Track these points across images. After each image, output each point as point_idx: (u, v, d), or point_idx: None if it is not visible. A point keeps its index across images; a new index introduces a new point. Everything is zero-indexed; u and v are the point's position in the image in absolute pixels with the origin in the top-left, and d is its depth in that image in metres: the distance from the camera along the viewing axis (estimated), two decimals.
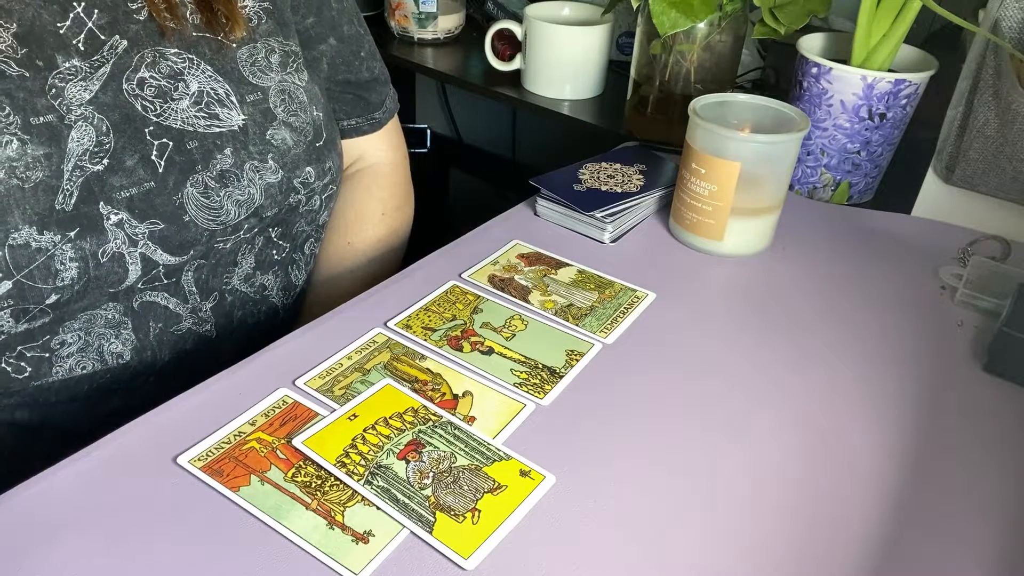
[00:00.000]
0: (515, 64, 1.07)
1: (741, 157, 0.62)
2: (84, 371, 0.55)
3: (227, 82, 0.56)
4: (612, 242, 0.68)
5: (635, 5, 0.78)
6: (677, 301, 0.61)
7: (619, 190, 0.71)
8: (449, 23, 1.20)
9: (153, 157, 0.52)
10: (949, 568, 0.41)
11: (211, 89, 0.55)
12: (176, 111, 0.54)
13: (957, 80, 0.69)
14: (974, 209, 0.72)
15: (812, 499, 0.44)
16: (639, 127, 0.88)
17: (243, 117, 0.57)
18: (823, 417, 0.50)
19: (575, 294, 0.61)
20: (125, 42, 0.52)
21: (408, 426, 0.47)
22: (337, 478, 0.43)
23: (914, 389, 0.53)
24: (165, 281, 0.56)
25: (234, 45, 0.57)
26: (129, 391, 0.59)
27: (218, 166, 0.55)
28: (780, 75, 0.96)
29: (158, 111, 0.53)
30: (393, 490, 0.43)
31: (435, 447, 0.45)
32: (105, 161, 0.51)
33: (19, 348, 0.52)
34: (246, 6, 0.59)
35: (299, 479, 0.43)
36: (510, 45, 1.07)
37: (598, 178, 0.72)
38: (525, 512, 0.42)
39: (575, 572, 0.39)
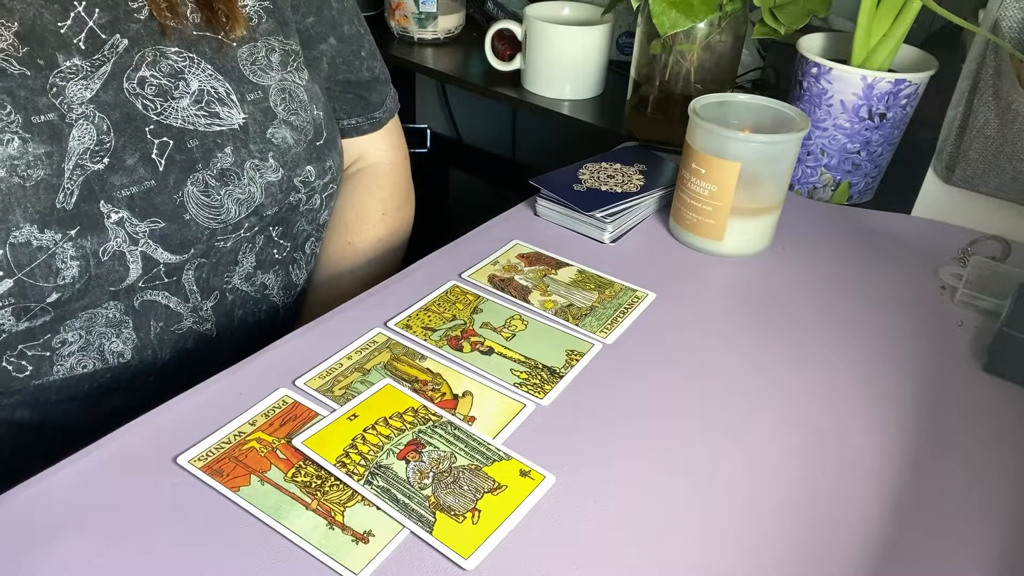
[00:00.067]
0: (515, 64, 1.07)
1: (741, 157, 0.62)
2: (85, 370, 0.55)
3: (227, 81, 0.56)
4: (612, 242, 0.68)
5: (635, 5, 0.78)
6: (677, 301, 0.61)
7: (619, 190, 0.71)
8: (449, 23, 1.20)
9: (153, 156, 0.52)
10: (949, 568, 0.41)
11: (211, 88, 0.55)
12: (176, 110, 0.54)
13: (957, 80, 0.69)
14: (974, 209, 0.72)
15: (812, 499, 0.44)
16: (639, 127, 0.88)
17: (243, 116, 0.57)
18: (823, 417, 0.50)
19: (575, 294, 0.61)
20: (126, 41, 0.52)
21: (408, 426, 0.47)
22: (337, 478, 0.43)
23: (914, 389, 0.53)
24: (166, 280, 0.56)
25: (234, 44, 0.57)
26: (129, 390, 0.59)
27: (218, 165, 0.55)
28: (780, 75, 0.96)
29: (159, 110, 0.53)
30: (393, 490, 0.43)
31: (435, 447, 0.45)
32: (106, 160, 0.51)
33: (20, 347, 0.52)
34: (246, 5, 0.59)
35: (299, 479, 0.43)
36: (510, 45, 1.07)
37: (598, 178, 0.72)
38: (525, 512, 0.42)
39: (575, 572, 0.39)
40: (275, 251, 0.64)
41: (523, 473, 0.44)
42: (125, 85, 0.52)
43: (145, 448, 0.45)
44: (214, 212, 0.55)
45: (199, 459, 0.44)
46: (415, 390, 0.50)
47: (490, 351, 0.54)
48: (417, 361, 0.53)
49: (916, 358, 0.56)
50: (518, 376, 0.52)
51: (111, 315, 0.55)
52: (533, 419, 0.49)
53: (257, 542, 0.40)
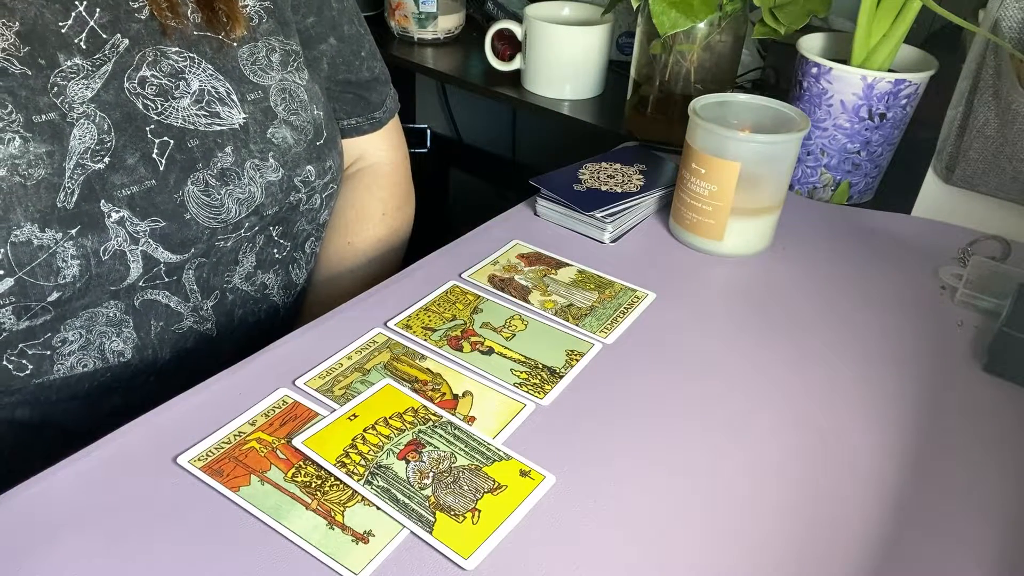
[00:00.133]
0: (515, 64, 1.07)
1: (741, 157, 0.62)
2: (85, 369, 0.55)
3: (228, 81, 0.56)
4: (612, 242, 0.68)
5: (635, 5, 0.78)
6: (677, 301, 0.61)
7: (619, 190, 0.71)
8: (449, 23, 1.20)
9: (154, 155, 0.53)
10: (949, 568, 0.41)
11: (212, 88, 0.55)
12: (177, 109, 0.54)
13: (957, 80, 0.69)
14: (974, 209, 0.72)
15: (812, 499, 0.44)
16: (639, 127, 0.88)
17: (244, 116, 0.57)
18: (823, 417, 0.50)
19: (575, 294, 0.61)
20: (127, 41, 0.52)
21: (408, 426, 0.47)
22: (337, 478, 0.43)
23: (914, 389, 0.53)
24: (166, 279, 0.56)
25: (235, 44, 0.57)
26: (130, 389, 0.59)
27: (219, 164, 0.55)
28: (780, 75, 0.96)
29: (159, 109, 0.53)
30: (393, 490, 0.43)
31: (435, 447, 0.45)
32: (106, 159, 0.51)
33: (20, 345, 0.52)
34: (247, 5, 0.59)
35: (299, 479, 0.43)
36: (510, 45, 1.07)
37: (598, 178, 0.72)
38: (525, 512, 0.42)
39: (575, 572, 0.39)
40: (275, 251, 0.64)
41: (523, 473, 0.44)
42: (126, 85, 0.52)
43: (145, 448, 0.45)
44: (214, 212, 0.55)
45: (199, 459, 0.44)
46: (415, 390, 0.50)
47: (490, 351, 0.54)
48: (417, 361, 0.53)
49: (916, 358, 0.56)
50: (518, 376, 0.52)
51: (111, 314, 0.55)
52: (533, 419, 0.49)
53: (257, 542, 0.40)
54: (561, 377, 0.52)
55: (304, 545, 0.40)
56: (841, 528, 0.43)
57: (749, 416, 0.50)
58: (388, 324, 0.56)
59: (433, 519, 0.41)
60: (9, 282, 0.47)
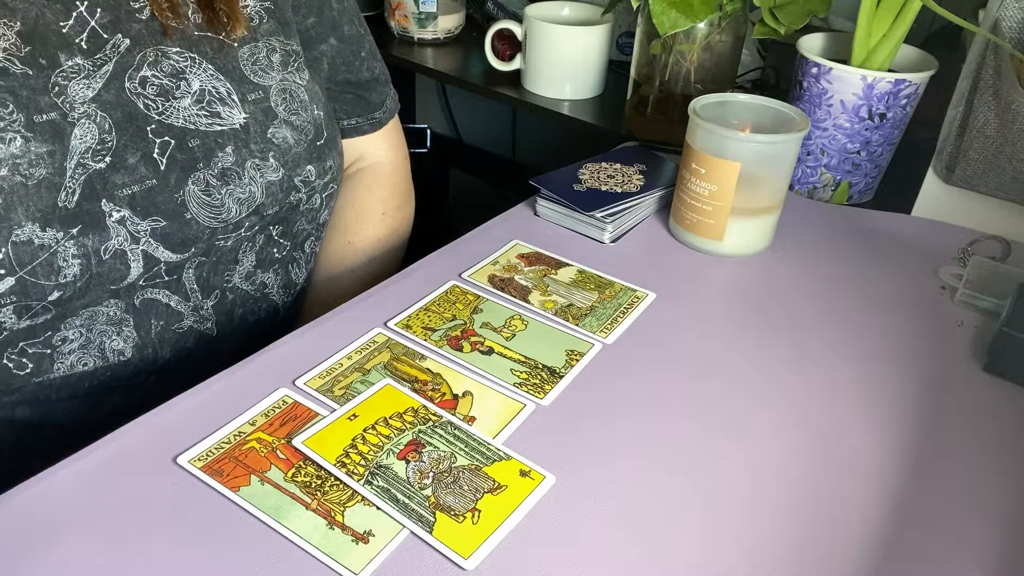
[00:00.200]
0: (515, 64, 1.07)
1: (741, 157, 0.62)
2: (85, 368, 0.55)
3: (228, 81, 0.56)
4: (612, 242, 0.68)
5: (635, 5, 0.78)
6: (677, 301, 0.61)
7: (619, 190, 0.71)
8: (449, 23, 1.20)
9: (155, 155, 0.53)
10: (949, 568, 0.41)
11: (213, 88, 0.55)
12: (178, 109, 0.54)
13: (957, 80, 0.69)
14: (974, 209, 0.72)
15: (812, 499, 0.44)
16: (639, 127, 0.88)
17: (244, 116, 0.57)
18: (823, 417, 0.50)
19: (575, 294, 0.61)
20: (127, 41, 0.52)
21: (408, 426, 0.47)
22: (337, 478, 0.43)
23: (914, 389, 0.53)
24: (166, 278, 0.56)
25: (235, 44, 0.57)
26: (130, 388, 0.59)
27: (219, 164, 0.55)
28: (780, 75, 0.96)
29: (160, 109, 0.53)
30: (393, 490, 0.43)
31: (435, 447, 0.45)
32: (107, 159, 0.51)
33: (21, 344, 0.52)
34: (247, 5, 0.59)
35: (299, 479, 0.43)
36: (510, 45, 1.07)
37: (598, 178, 0.72)
38: (525, 512, 0.42)
39: (575, 572, 0.39)
40: (275, 250, 0.64)
41: (523, 473, 0.44)
42: (127, 85, 0.52)
43: (145, 448, 0.45)
44: (215, 211, 0.55)
45: (199, 459, 0.44)
46: (415, 390, 0.50)
47: (490, 351, 0.54)
48: (417, 361, 0.53)
49: (916, 358, 0.56)
50: (518, 376, 0.52)
51: (112, 313, 0.55)
52: (533, 419, 0.49)
53: (257, 542, 0.40)
54: (561, 377, 0.52)
55: (304, 545, 0.40)
56: (841, 528, 0.43)
57: (749, 416, 0.50)
58: (388, 324, 0.56)
59: (433, 519, 0.41)
60: (10, 281, 0.47)
